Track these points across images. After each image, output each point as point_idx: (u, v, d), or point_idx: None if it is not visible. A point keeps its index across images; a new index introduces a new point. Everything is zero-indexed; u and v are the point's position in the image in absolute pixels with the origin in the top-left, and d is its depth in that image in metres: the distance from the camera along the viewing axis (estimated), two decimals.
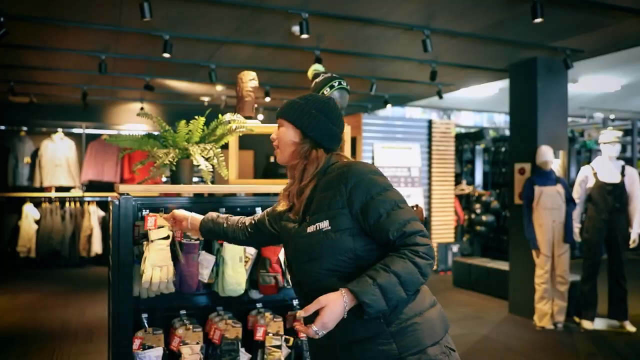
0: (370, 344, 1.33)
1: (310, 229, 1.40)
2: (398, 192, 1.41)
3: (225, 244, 2.16)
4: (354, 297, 1.25)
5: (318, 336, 1.25)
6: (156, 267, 1.86)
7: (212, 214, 1.85)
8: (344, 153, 1.58)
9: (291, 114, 1.51)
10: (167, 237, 1.90)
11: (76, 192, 7.59)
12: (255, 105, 2.53)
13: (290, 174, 1.56)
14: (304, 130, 1.50)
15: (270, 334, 2.20)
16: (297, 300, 2.45)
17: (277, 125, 1.56)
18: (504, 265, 5.81)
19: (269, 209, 1.74)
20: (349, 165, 1.43)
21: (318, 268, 1.38)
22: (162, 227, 1.93)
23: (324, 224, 1.38)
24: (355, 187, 1.37)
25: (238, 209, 2.38)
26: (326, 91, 2.37)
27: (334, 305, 1.25)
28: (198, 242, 2.14)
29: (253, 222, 1.77)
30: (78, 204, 7.58)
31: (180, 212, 1.88)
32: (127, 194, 2.01)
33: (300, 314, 1.26)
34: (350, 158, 1.56)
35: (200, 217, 1.85)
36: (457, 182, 8.43)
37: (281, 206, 1.59)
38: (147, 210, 2.14)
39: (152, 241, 1.88)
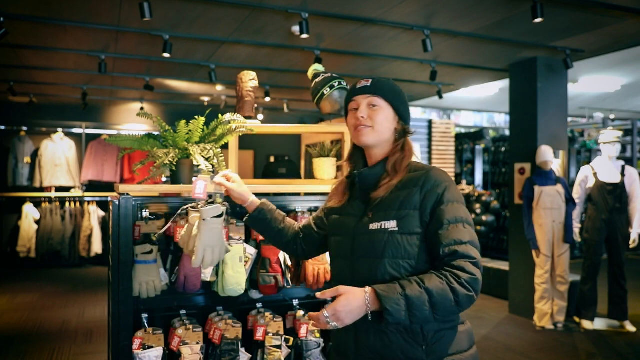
0: None
1: (373, 226, 1.32)
2: (468, 213, 1.33)
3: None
4: (377, 300, 1.19)
5: (329, 325, 1.19)
6: (208, 248, 1.68)
7: (270, 205, 1.73)
8: None
9: (392, 94, 1.41)
10: (220, 215, 1.69)
11: (76, 192, 7.59)
12: (255, 105, 2.53)
13: (370, 159, 1.44)
14: (402, 117, 1.42)
15: (270, 334, 2.20)
16: (296, 301, 2.45)
17: (364, 102, 1.41)
18: (504, 265, 5.81)
19: (314, 215, 1.66)
20: (429, 169, 1.36)
21: (374, 268, 1.29)
22: (213, 202, 1.70)
23: (391, 224, 1.30)
24: (430, 192, 1.30)
25: (238, 209, 2.38)
26: (326, 91, 2.37)
27: (352, 298, 1.19)
28: None
29: (301, 229, 1.68)
30: (78, 204, 7.58)
31: (240, 188, 1.70)
32: (127, 194, 2.01)
33: (318, 295, 1.22)
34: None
35: (257, 199, 1.72)
36: (457, 182, 8.43)
37: (333, 202, 1.51)
38: (147, 211, 2.14)
39: (204, 220, 1.67)
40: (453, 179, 1.41)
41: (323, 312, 1.19)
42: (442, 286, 1.18)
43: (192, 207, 1.69)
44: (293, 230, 1.69)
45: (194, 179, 1.70)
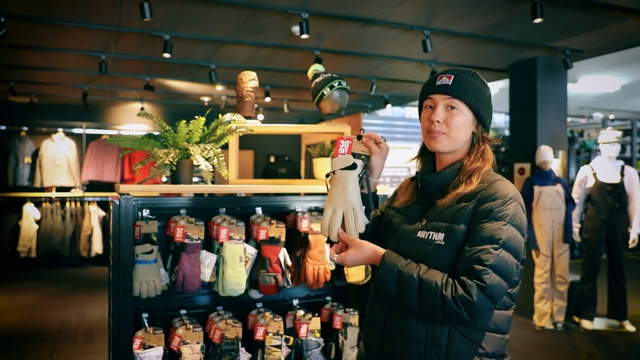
0: None
1: (422, 234, 1.25)
2: (518, 239, 1.17)
3: (226, 244, 2.17)
4: (381, 259, 1.22)
5: (333, 261, 1.30)
6: (338, 209, 1.29)
7: None
8: None
9: (475, 96, 1.26)
10: (354, 167, 1.32)
11: (76, 192, 7.59)
12: (255, 105, 2.54)
13: (439, 162, 1.32)
14: (481, 119, 1.28)
15: (270, 334, 2.21)
16: (296, 300, 2.46)
17: (441, 103, 1.27)
18: None
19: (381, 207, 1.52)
20: (494, 181, 1.23)
21: None
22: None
23: (439, 236, 1.21)
24: (484, 206, 1.19)
25: (238, 209, 2.39)
26: (326, 91, 2.38)
27: (360, 255, 1.25)
28: (200, 241, 2.14)
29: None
30: (78, 204, 7.58)
31: (384, 143, 1.39)
32: (128, 194, 2.01)
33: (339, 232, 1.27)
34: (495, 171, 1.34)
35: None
36: None
37: (398, 203, 1.41)
38: (147, 211, 2.14)
39: (333, 172, 1.32)
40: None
41: (333, 255, 1.27)
42: (435, 287, 1.14)
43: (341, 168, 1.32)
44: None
45: (338, 139, 1.36)
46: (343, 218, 1.29)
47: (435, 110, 1.27)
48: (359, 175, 1.32)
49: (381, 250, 1.23)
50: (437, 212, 1.26)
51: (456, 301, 1.12)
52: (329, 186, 1.36)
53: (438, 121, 1.26)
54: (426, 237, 1.24)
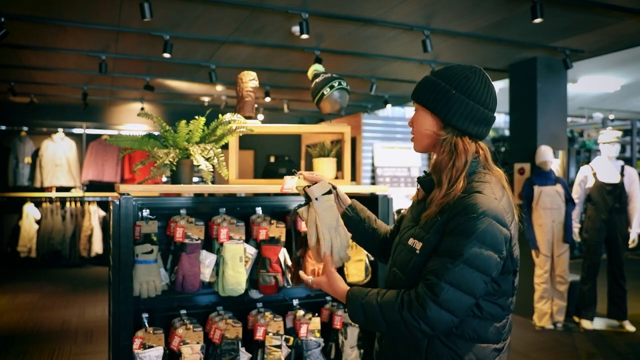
0: None
1: (410, 241, 1.27)
2: (484, 256, 1.14)
3: (226, 244, 2.17)
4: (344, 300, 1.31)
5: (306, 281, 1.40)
6: (332, 229, 1.42)
7: (361, 204, 1.61)
8: (490, 161, 1.32)
9: (426, 97, 1.28)
10: (330, 192, 1.46)
11: (77, 192, 7.60)
12: (256, 105, 2.54)
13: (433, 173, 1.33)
14: (443, 119, 1.26)
15: (270, 334, 2.21)
16: (296, 300, 2.46)
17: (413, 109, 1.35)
18: None
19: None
20: (472, 194, 1.19)
21: (400, 282, 1.28)
22: (316, 183, 1.50)
23: (418, 245, 1.24)
24: (455, 218, 1.17)
25: (238, 209, 2.39)
26: (326, 91, 2.38)
27: (330, 289, 1.36)
28: (199, 241, 2.14)
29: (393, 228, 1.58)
30: (78, 204, 7.58)
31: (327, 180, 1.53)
32: (128, 194, 2.01)
33: (306, 279, 1.41)
34: (499, 172, 1.31)
35: (347, 197, 1.59)
36: None
37: (412, 197, 1.45)
38: (147, 211, 2.15)
39: (316, 199, 1.44)
40: (499, 211, 1.18)
41: (309, 279, 1.39)
42: (392, 306, 1.18)
43: (299, 206, 1.49)
44: (385, 231, 1.57)
45: (287, 176, 1.60)
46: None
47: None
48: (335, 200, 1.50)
49: (345, 289, 1.32)
50: (425, 217, 1.27)
51: (413, 315, 1.15)
52: (309, 215, 1.45)
53: (410, 125, 1.36)
54: (412, 244, 1.26)
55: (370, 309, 1.22)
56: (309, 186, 1.47)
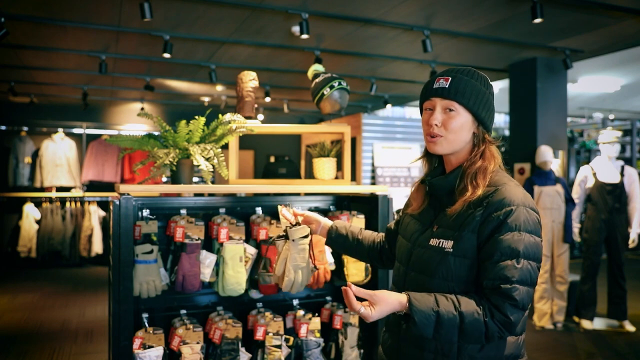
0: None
1: (433, 242, 1.25)
2: (533, 243, 1.16)
3: (226, 244, 2.17)
4: (408, 306, 1.15)
5: (358, 314, 1.16)
6: (298, 269, 1.68)
7: (342, 222, 1.67)
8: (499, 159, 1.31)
9: (472, 98, 1.25)
10: (307, 236, 1.68)
11: (77, 192, 7.60)
12: (256, 105, 2.54)
13: (447, 165, 1.33)
14: (483, 122, 1.27)
15: (271, 334, 2.21)
16: (296, 300, 2.46)
17: (439, 106, 1.27)
18: None
19: (395, 218, 1.59)
20: (499, 187, 1.22)
21: (428, 284, 1.24)
22: (298, 223, 1.69)
23: (448, 244, 1.21)
24: (491, 215, 1.18)
25: (238, 209, 2.39)
26: (326, 91, 2.38)
27: (385, 308, 1.15)
28: (200, 241, 2.14)
29: (385, 232, 1.61)
30: (79, 204, 7.58)
31: (311, 214, 1.68)
32: (128, 194, 2.01)
33: (353, 289, 1.15)
34: (504, 170, 1.32)
35: (329, 221, 1.67)
36: None
37: (411, 209, 1.41)
38: (147, 211, 2.15)
39: (293, 240, 1.66)
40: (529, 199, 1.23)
41: (360, 308, 1.15)
42: (477, 316, 1.13)
43: (278, 237, 1.69)
44: (373, 238, 1.63)
45: (280, 208, 1.72)
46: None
47: (434, 114, 1.27)
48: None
49: (404, 297, 1.17)
50: (447, 217, 1.26)
51: (497, 324, 1.13)
52: (283, 250, 1.64)
53: (436, 124, 1.26)
54: (437, 244, 1.24)
55: (446, 318, 1.13)
56: (291, 226, 1.63)
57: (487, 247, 1.17)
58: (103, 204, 7.74)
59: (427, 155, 1.38)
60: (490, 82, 1.32)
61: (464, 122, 1.26)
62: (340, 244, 1.63)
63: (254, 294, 2.32)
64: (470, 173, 1.25)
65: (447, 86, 1.25)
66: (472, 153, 1.28)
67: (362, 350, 2.40)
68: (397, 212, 3.94)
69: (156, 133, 2.26)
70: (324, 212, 2.46)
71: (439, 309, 1.13)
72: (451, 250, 1.20)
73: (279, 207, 1.71)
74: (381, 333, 1.44)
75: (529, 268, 1.15)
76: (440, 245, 1.23)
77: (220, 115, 2.24)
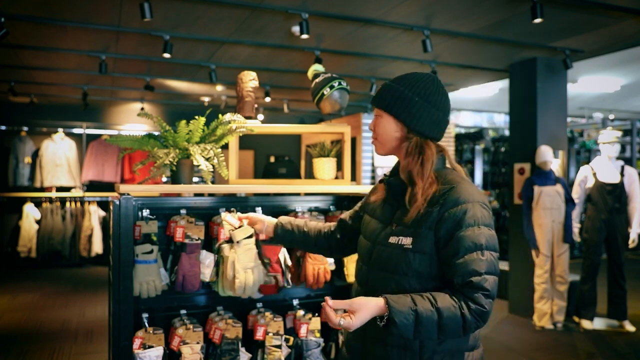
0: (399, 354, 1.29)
1: (392, 239, 1.31)
2: (492, 236, 1.25)
3: (226, 244, 2.17)
4: (387, 309, 1.18)
5: (340, 328, 1.18)
6: (247, 270, 1.72)
7: (287, 217, 1.73)
8: (449, 153, 1.42)
9: (391, 104, 1.35)
10: (251, 236, 1.73)
11: (77, 192, 7.60)
12: (256, 105, 2.54)
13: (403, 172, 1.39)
14: (409, 125, 1.34)
15: (271, 334, 2.21)
16: (296, 300, 2.46)
17: (375, 113, 1.41)
18: (503, 265, 5.81)
19: (351, 210, 1.65)
20: (455, 185, 1.29)
21: (389, 281, 1.29)
22: (241, 225, 1.77)
23: (407, 240, 1.28)
24: (448, 213, 1.25)
25: (238, 209, 2.39)
26: (326, 91, 2.38)
27: (365, 314, 1.18)
28: (199, 241, 2.14)
29: (337, 222, 1.67)
30: (79, 204, 7.58)
31: (255, 215, 1.75)
32: (128, 194, 2.01)
33: (330, 303, 1.17)
34: (459, 167, 1.40)
35: (274, 219, 1.73)
36: None
37: (373, 197, 1.47)
38: (147, 211, 2.15)
39: (237, 242, 1.73)
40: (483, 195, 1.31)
41: (340, 321, 1.16)
42: (454, 310, 1.17)
43: (221, 243, 1.75)
44: (319, 229, 1.68)
45: (221, 213, 1.84)
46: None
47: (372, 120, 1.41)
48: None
49: (381, 300, 1.19)
50: (404, 215, 1.32)
51: (473, 316, 1.19)
52: (230, 254, 1.75)
53: (371, 129, 1.41)
54: (396, 242, 1.30)
55: (425, 316, 1.16)
56: (234, 229, 1.70)
57: (451, 245, 1.23)
58: (103, 204, 7.74)
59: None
60: (431, 87, 1.36)
61: (386, 125, 1.37)
62: (288, 239, 1.69)
63: (254, 294, 2.32)
64: (406, 171, 1.34)
65: (374, 95, 1.40)
66: (404, 153, 1.37)
67: None
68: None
69: (156, 133, 2.26)
70: (324, 212, 2.46)
71: (417, 307, 1.17)
72: (410, 246, 1.27)
73: (222, 214, 1.78)
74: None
75: (492, 259, 1.22)
76: (400, 243, 1.29)
77: (220, 115, 2.24)
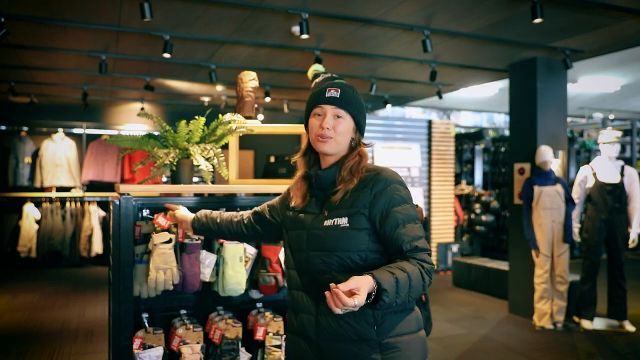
0: (353, 348, 1.37)
1: (327, 222, 1.43)
2: (415, 209, 1.46)
3: (226, 244, 2.17)
4: (375, 282, 1.23)
5: (355, 308, 1.18)
6: (160, 270, 1.92)
7: (205, 211, 1.86)
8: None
9: (356, 108, 1.50)
10: (169, 241, 1.95)
11: (77, 192, 7.60)
12: (256, 105, 2.54)
13: (324, 162, 1.52)
14: (359, 127, 1.52)
15: (271, 334, 2.21)
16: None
17: (330, 112, 1.47)
18: (503, 265, 5.81)
19: (268, 203, 1.75)
20: (380, 171, 1.47)
21: (327, 258, 1.40)
22: (165, 230, 1.97)
23: (342, 221, 1.41)
24: (380, 193, 1.42)
25: (238, 209, 2.39)
26: None
27: (364, 290, 1.21)
28: (199, 241, 2.14)
29: (252, 213, 1.78)
30: (79, 204, 7.58)
31: (181, 214, 1.91)
32: (128, 194, 2.01)
33: (341, 287, 1.19)
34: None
35: (192, 214, 1.88)
36: (457, 182, 8.44)
37: (294, 202, 1.56)
38: (147, 211, 2.15)
39: (155, 245, 1.92)
40: (401, 178, 1.51)
41: (354, 301, 1.17)
42: (417, 272, 1.33)
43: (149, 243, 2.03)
44: (230, 219, 1.81)
45: (146, 214, 2.08)
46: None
47: (325, 118, 1.46)
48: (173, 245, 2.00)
49: (369, 276, 1.24)
50: (335, 202, 1.45)
51: (429, 273, 1.36)
52: (152, 252, 1.97)
53: (328, 128, 1.45)
54: (332, 224, 1.42)
55: (401, 280, 1.28)
56: (156, 232, 1.95)
57: (389, 219, 1.39)
58: (103, 204, 7.74)
59: (305, 154, 1.58)
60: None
61: (348, 126, 1.48)
62: (205, 232, 1.85)
63: (254, 294, 2.32)
64: (349, 167, 1.47)
65: (338, 96, 1.47)
66: (348, 152, 1.51)
67: None
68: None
69: (156, 133, 2.27)
70: None
71: (396, 275, 1.28)
72: (347, 225, 1.40)
73: (155, 216, 1.98)
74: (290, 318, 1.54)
75: (421, 226, 1.45)
76: (336, 224, 1.42)
77: (220, 115, 2.24)
